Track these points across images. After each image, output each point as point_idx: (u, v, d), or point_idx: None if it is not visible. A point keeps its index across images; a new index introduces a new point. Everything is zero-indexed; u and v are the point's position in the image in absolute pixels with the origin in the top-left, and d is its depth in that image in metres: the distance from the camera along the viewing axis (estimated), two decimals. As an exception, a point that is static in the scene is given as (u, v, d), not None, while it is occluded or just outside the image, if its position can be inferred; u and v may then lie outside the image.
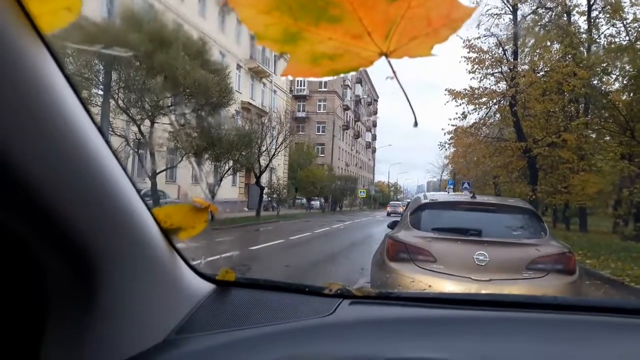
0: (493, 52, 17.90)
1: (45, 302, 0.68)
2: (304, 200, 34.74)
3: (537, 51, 18.08)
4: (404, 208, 5.85)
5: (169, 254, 0.86)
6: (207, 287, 1.07)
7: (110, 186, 0.68)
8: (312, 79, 0.54)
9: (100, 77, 12.90)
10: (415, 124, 0.54)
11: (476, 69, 17.58)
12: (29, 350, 0.70)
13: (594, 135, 17.90)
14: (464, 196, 5.27)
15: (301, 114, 49.04)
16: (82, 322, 0.70)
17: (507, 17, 18.20)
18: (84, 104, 0.62)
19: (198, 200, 0.81)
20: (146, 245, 0.79)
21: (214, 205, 0.81)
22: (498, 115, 19.27)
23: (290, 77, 0.53)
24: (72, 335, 0.70)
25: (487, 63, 17.70)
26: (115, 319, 0.74)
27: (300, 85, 50.72)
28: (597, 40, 17.60)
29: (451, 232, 4.03)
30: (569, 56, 16.75)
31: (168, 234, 0.84)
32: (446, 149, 20.17)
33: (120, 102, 13.26)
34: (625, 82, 16.66)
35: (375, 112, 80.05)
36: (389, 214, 32.60)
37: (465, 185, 18.73)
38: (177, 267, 0.92)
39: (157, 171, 14.54)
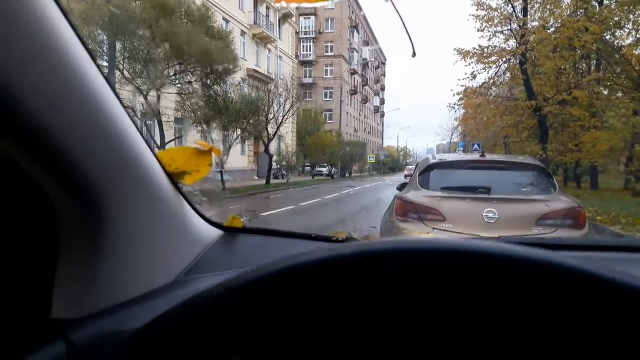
0: (502, 9, 17.46)
1: (56, 240, 0.71)
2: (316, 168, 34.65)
3: (548, 7, 17.55)
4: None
5: (176, 198, 0.88)
6: (215, 232, 1.10)
7: (115, 128, 0.70)
8: (305, 4, 0.54)
9: (105, 48, 12.83)
10: (414, 54, 0.54)
11: (485, 27, 17.22)
12: (41, 290, 0.73)
13: (605, 92, 17.55)
14: (473, 155, 5.25)
15: (308, 80, 48.51)
16: (92, 260, 0.72)
17: (517, -28, 17.63)
18: (90, 52, 0.64)
19: (200, 143, 0.82)
20: (152, 187, 0.81)
21: (216, 148, 0.83)
22: (508, 74, 18.95)
23: (284, 4, 0.53)
24: (82, 273, 0.73)
25: (495, 20, 17.30)
26: (125, 258, 0.77)
27: (306, 51, 50.01)
28: (610, -8, 17.03)
29: (460, 191, 4.04)
30: (580, 11, 16.27)
31: (173, 177, 0.86)
32: (455, 111, 19.93)
33: (125, 72, 13.22)
34: (638, 36, 16.19)
35: (384, 75, 78.98)
36: (405, 177, 32.65)
37: (475, 146, 18.59)
38: (185, 212, 0.94)
39: (166, 141, 14.60)
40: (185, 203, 0.93)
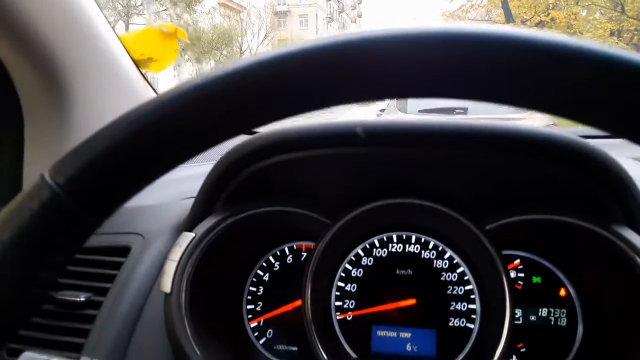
0: None
1: (19, 109, 0.72)
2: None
3: None
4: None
5: (143, 86, 0.89)
6: None
7: (87, 19, 0.70)
8: None
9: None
10: None
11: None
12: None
13: (584, 13, 17.34)
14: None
15: (282, 8, 46.60)
16: (56, 132, 0.74)
17: None
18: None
19: (165, 25, 0.82)
20: (120, 74, 0.82)
21: (181, 30, 0.83)
22: (486, -4, 18.47)
23: None
24: (50, 150, 0.75)
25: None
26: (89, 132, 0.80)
27: (279, -24, 47.63)
28: None
29: (437, 112, 4.09)
30: None
31: (139, 65, 0.87)
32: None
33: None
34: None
35: (360, 2, 76.25)
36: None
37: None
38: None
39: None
40: (152, 91, 0.94)
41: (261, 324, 0.74)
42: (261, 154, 0.58)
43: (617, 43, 14.27)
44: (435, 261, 0.73)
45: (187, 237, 0.61)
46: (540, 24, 16.13)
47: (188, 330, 0.57)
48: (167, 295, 0.58)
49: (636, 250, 0.53)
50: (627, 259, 0.53)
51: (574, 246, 0.65)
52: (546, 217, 0.59)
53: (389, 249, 0.75)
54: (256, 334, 0.74)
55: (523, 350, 0.68)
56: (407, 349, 0.70)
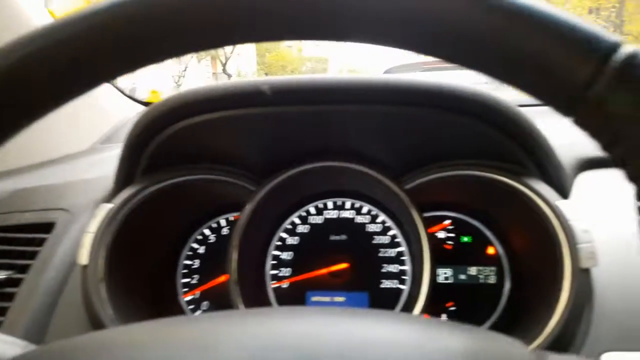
0: None
1: None
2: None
3: None
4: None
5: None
6: (135, 107, 1.12)
7: None
8: None
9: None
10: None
11: None
12: None
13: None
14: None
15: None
16: None
17: None
18: None
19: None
20: None
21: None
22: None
23: None
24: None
25: None
26: (40, 126, 0.79)
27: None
28: None
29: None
30: None
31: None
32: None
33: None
34: None
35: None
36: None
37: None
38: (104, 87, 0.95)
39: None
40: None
41: (197, 296, 0.74)
42: (169, 118, 0.57)
43: (595, 20, 14.34)
44: (368, 225, 0.73)
45: (105, 209, 0.60)
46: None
47: (105, 301, 0.56)
48: (84, 267, 0.57)
49: (546, 201, 0.53)
50: (539, 211, 0.54)
51: (497, 203, 0.65)
52: (462, 174, 0.59)
53: (324, 216, 0.75)
54: (192, 306, 0.73)
55: (453, 308, 0.68)
56: None
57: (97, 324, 0.56)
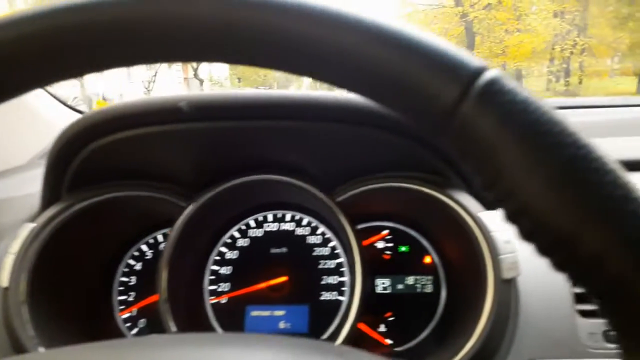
0: None
1: None
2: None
3: None
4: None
5: None
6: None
7: None
8: None
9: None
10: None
11: None
12: None
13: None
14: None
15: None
16: None
17: None
18: None
19: None
20: None
21: None
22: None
23: None
24: None
25: None
26: None
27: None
28: None
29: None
30: None
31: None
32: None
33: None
34: None
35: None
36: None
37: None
38: (43, 99, 0.91)
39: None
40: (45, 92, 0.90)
41: (134, 313, 0.72)
42: (91, 135, 0.55)
43: (560, 24, 14.75)
44: (308, 237, 0.73)
45: (27, 228, 0.58)
46: (488, 7, 16.49)
47: (27, 323, 0.54)
48: (4, 289, 0.55)
49: (468, 212, 0.54)
50: (462, 222, 0.54)
51: (427, 214, 0.65)
52: (390, 185, 0.59)
53: (264, 229, 0.74)
54: (129, 324, 0.72)
55: (392, 319, 0.68)
56: (281, 326, 0.69)
57: (18, 347, 0.54)
